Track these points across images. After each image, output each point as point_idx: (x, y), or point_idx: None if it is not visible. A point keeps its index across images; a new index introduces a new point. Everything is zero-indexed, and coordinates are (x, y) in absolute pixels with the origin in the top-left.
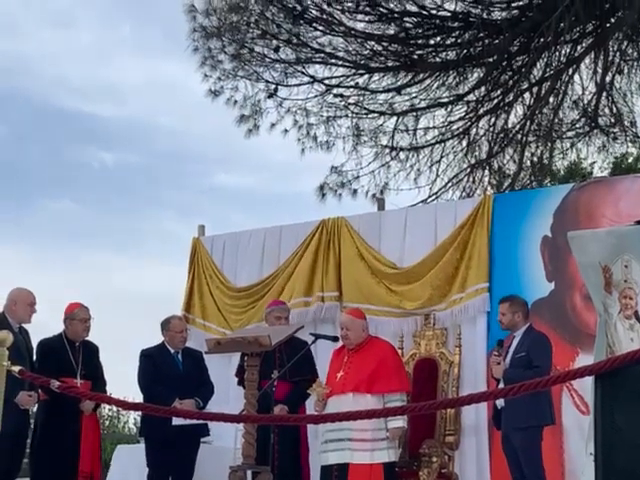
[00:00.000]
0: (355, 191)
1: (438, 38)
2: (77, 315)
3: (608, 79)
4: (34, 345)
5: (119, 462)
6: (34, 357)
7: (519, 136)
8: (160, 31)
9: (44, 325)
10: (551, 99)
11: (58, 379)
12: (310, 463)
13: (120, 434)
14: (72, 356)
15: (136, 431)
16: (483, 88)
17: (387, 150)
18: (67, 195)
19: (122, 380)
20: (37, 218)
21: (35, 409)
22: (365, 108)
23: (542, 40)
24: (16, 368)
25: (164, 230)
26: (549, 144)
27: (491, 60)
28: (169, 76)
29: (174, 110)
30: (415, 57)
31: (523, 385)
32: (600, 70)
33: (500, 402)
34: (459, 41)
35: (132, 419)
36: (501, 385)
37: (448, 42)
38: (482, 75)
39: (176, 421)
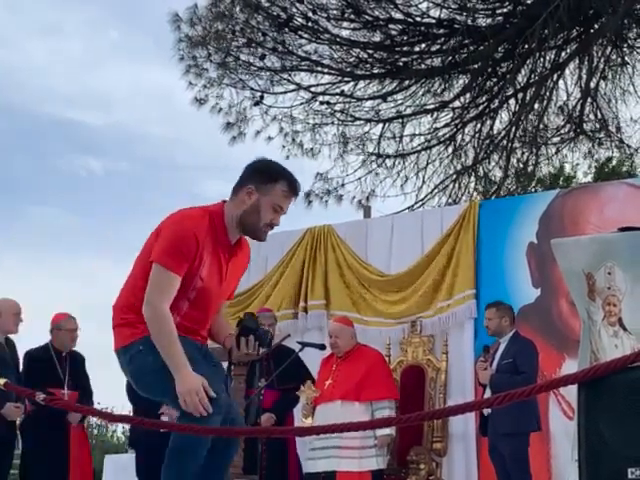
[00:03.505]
0: (341, 198)
1: (423, 45)
2: (64, 325)
3: (593, 85)
4: (20, 355)
5: (109, 471)
6: (20, 368)
7: (505, 142)
8: (148, 39)
9: (30, 335)
10: (536, 105)
11: (45, 390)
12: (298, 471)
13: (109, 443)
14: (59, 367)
15: (125, 440)
16: (468, 95)
17: (373, 157)
18: (55, 203)
19: (110, 391)
20: (24, 226)
21: (22, 420)
22: (351, 115)
23: (526, 46)
24: (1, 381)
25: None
26: (535, 150)
27: (476, 67)
28: (157, 84)
29: (162, 117)
30: (400, 64)
31: (508, 395)
32: (585, 76)
33: (487, 409)
34: (444, 48)
35: (120, 428)
36: (487, 391)
37: (433, 49)
38: (467, 82)
39: None
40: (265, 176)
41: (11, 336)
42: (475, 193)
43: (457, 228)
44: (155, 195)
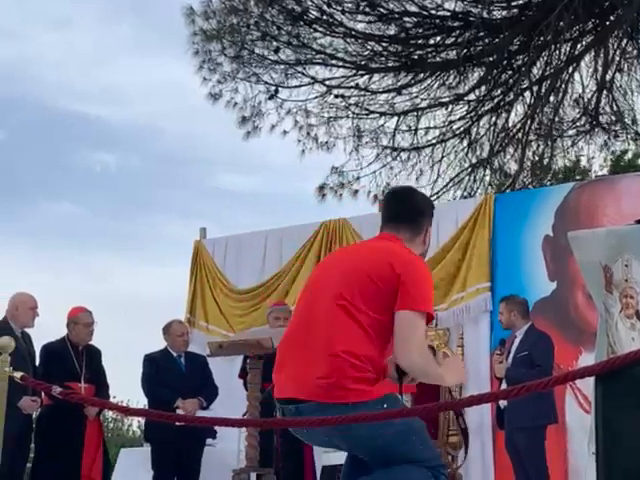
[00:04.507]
0: (356, 192)
1: (438, 38)
2: (80, 319)
3: (608, 77)
4: (37, 349)
5: (124, 465)
6: (37, 362)
7: (520, 135)
8: (161, 32)
9: (46, 329)
10: (552, 98)
11: (62, 384)
12: (314, 464)
13: (124, 437)
14: (75, 360)
15: (140, 434)
16: (483, 87)
17: (388, 150)
18: (69, 198)
19: (125, 384)
20: (39, 221)
21: (38, 413)
22: (366, 109)
23: (542, 39)
24: (18, 374)
25: (166, 233)
26: (550, 143)
27: (491, 59)
28: (171, 78)
29: (176, 112)
30: (415, 57)
31: (524, 386)
32: (600, 68)
33: (503, 402)
34: (459, 41)
35: (136, 422)
36: (503, 384)
37: (448, 42)
38: (482, 74)
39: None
40: (431, 213)
41: (27, 330)
42: (490, 186)
43: (472, 221)
44: (169, 190)
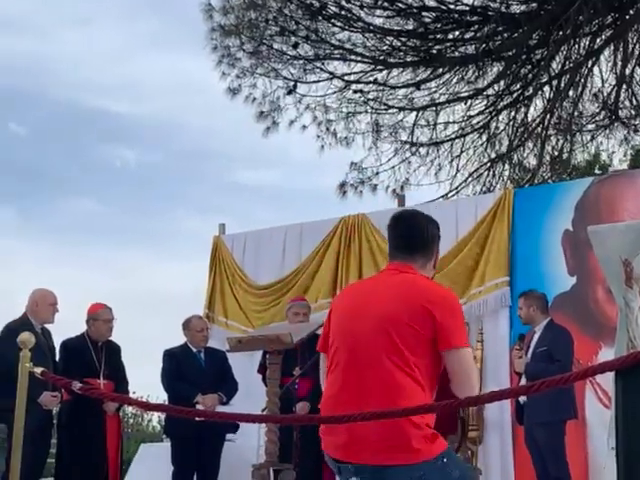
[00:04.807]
0: (375, 187)
1: (457, 32)
2: (100, 316)
3: (628, 71)
4: (56, 345)
5: (143, 460)
6: (57, 357)
7: (539, 130)
8: (180, 28)
9: (66, 325)
10: (571, 92)
11: (81, 379)
12: None
13: (144, 432)
14: (95, 356)
15: (160, 429)
16: (502, 82)
17: (407, 145)
18: (89, 194)
19: (145, 380)
20: (59, 217)
21: (58, 409)
22: (384, 104)
23: (561, 33)
24: (38, 369)
25: (186, 228)
26: (569, 137)
27: (510, 54)
28: (190, 73)
29: (195, 107)
30: (434, 52)
31: (544, 382)
32: (620, 62)
33: (522, 398)
34: (478, 35)
35: (156, 417)
36: (523, 380)
37: (467, 36)
38: (501, 69)
39: None
40: (439, 236)
41: (47, 326)
42: (509, 181)
43: (491, 216)
44: (188, 186)
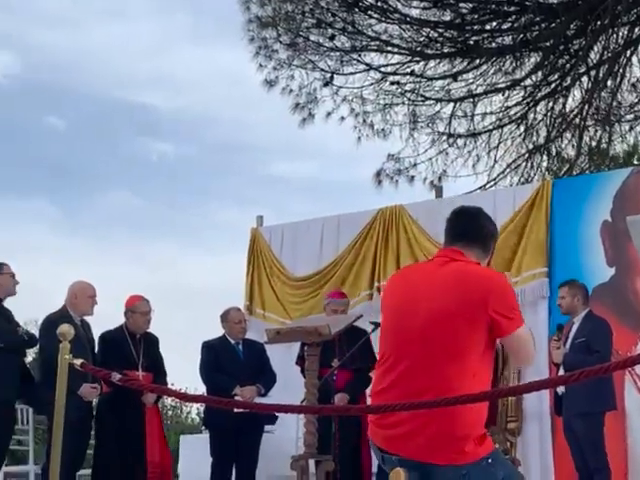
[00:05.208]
0: (412, 178)
1: (494, 23)
2: (138, 308)
3: None
4: (95, 337)
5: (184, 452)
6: (95, 350)
7: (577, 120)
8: (217, 20)
9: (104, 317)
10: (609, 82)
11: (120, 372)
12: (371, 452)
13: (183, 424)
14: (133, 348)
15: (199, 421)
16: (540, 73)
17: (444, 137)
18: (125, 187)
19: (183, 372)
20: (96, 211)
21: (97, 401)
22: (422, 95)
23: (599, 23)
24: (78, 361)
25: (222, 221)
26: (608, 128)
27: (548, 44)
28: (226, 66)
29: (232, 100)
30: (471, 43)
31: (583, 372)
32: None
33: (561, 388)
34: (515, 26)
35: (195, 409)
36: (561, 371)
37: (504, 27)
38: (539, 59)
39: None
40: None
41: (86, 318)
42: (547, 172)
43: (529, 207)
44: (225, 179)
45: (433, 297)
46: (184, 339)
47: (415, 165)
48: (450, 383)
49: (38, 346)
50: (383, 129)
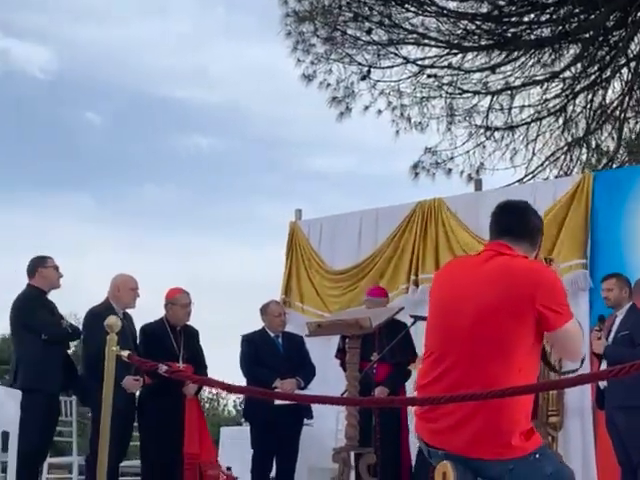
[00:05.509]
0: (449, 171)
1: (532, 15)
2: (178, 300)
3: None
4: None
5: (224, 444)
6: (137, 342)
7: (617, 112)
8: (253, 16)
9: (145, 310)
10: None
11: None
12: (409, 444)
13: (220, 417)
14: (174, 341)
15: (235, 414)
16: (579, 64)
17: (482, 130)
18: (164, 181)
19: (220, 365)
20: (134, 204)
21: (139, 393)
22: (459, 88)
23: (639, 14)
24: (125, 352)
25: (259, 214)
26: None
27: (587, 36)
28: (263, 61)
29: (268, 94)
30: (509, 35)
31: (624, 367)
32: None
33: (603, 382)
34: (554, 17)
35: (232, 402)
36: (603, 364)
37: (543, 19)
38: (578, 51)
39: (278, 400)
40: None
41: (128, 310)
42: (587, 165)
43: (569, 198)
44: (262, 172)
45: (478, 293)
46: (221, 332)
47: (452, 158)
48: (496, 378)
49: (81, 338)
50: (420, 122)
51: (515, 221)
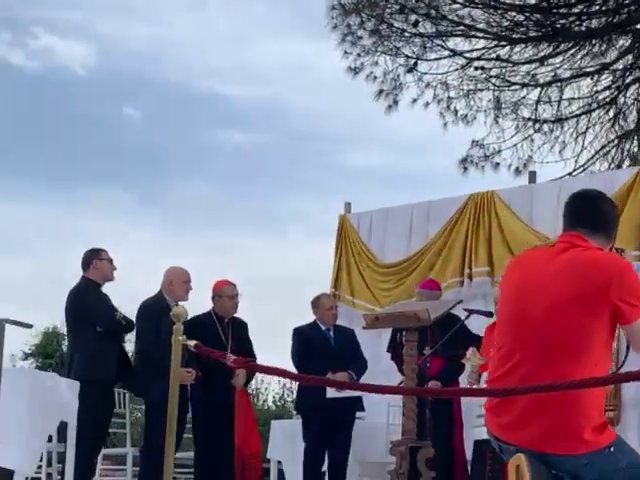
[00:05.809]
0: (497, 165)
1: (582, 6)
2: (225, 292)
3: None
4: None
5: (276, 437)
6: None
7: None
8: (292, 11)
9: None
10: None
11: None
12: (462, 438)
13: (259, 410)
14: (222, 332)
15: (275, 409)
16: (630, 56)
17: (530, 122)
18: (203, 177)
19: (266, 358)
20: (173, 200)
21: (191, 385)
22: (507, 80)
23: None
24: (192, 342)
25: (300, 210)
26: None
27: (638, 27)
28: (302, 55)
29: (307, 89)
30: (558, 26)
31: None
32: None
33: None
34: (604, 8)
35: (271, 397)
36: None
37: (592, 10)
38: (628, 43)
39: (330, 393)
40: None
41: (181, 303)
42: (638, 158)
43: (626, 190)
44: (301, 167)
45: (551, 286)
46: (266, 326)
47: (500, 151)
48: (571, 374)
49: (135, 331)
50: (467, 115)
51: (592, 212)
